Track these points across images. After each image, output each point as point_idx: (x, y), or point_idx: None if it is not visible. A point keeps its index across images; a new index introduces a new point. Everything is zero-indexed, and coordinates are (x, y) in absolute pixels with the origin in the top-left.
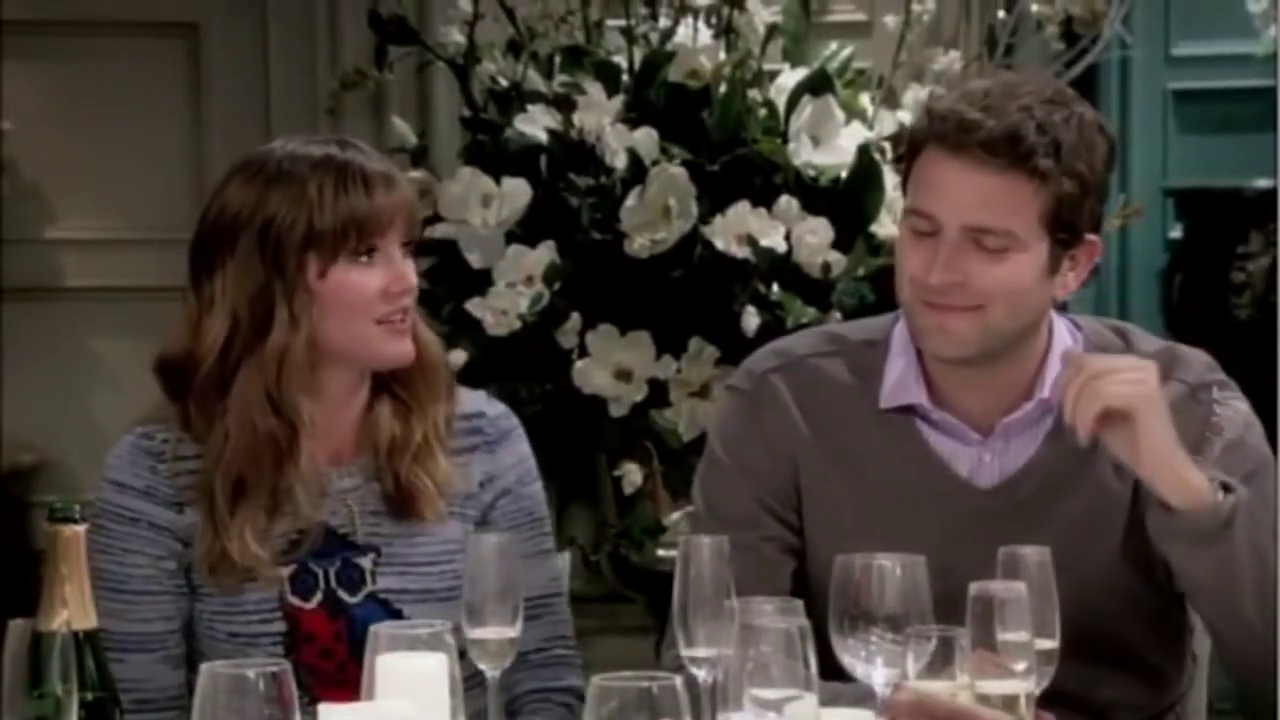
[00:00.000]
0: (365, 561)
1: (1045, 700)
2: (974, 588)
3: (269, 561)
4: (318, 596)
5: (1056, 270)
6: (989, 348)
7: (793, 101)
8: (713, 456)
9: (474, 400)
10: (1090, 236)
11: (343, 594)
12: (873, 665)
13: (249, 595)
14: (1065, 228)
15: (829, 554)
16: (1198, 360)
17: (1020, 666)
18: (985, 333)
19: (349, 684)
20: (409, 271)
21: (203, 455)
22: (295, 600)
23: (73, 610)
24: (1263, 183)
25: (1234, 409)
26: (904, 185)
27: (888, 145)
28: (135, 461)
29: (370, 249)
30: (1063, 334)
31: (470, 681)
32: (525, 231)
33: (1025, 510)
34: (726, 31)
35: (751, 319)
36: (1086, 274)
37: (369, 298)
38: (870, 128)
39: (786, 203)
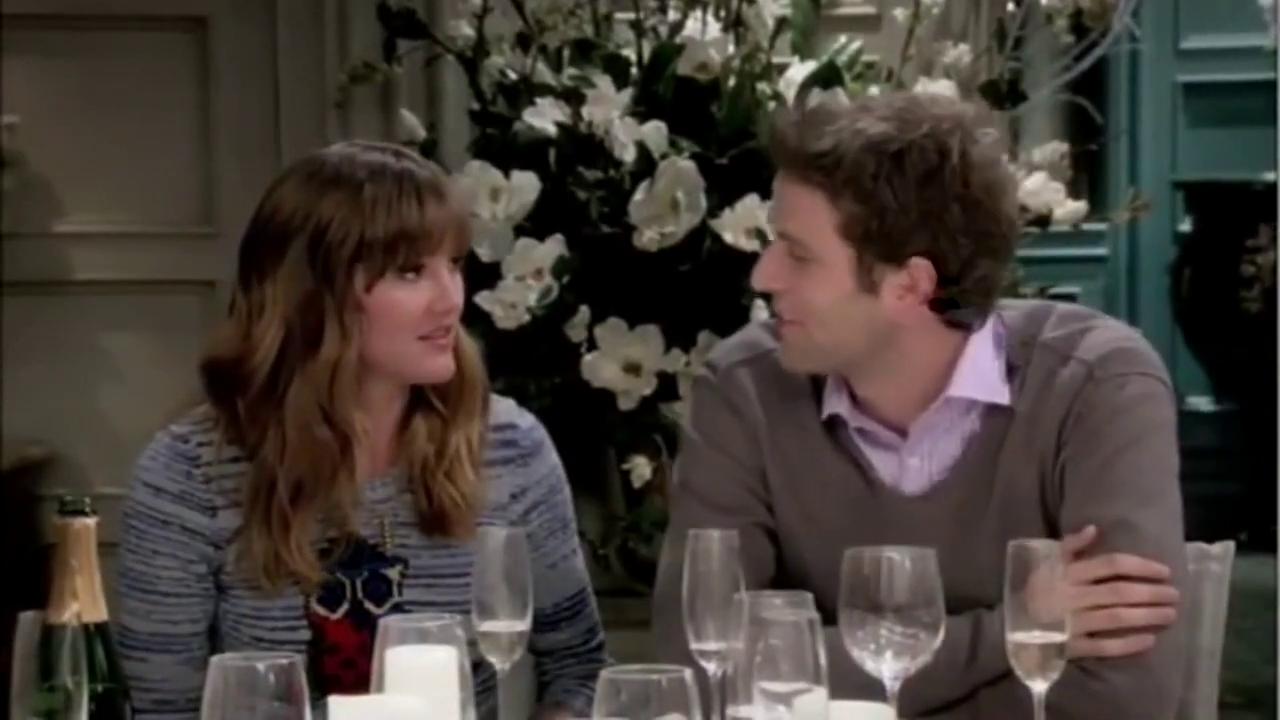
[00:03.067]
0: (393, 573)
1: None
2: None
3: (318, 569)
4: (344, 607)
5: (874, 291)
6: (826, 363)
7: (802, 95)
8: (694, 447)
9: (504, 410)
10: (917, 261)
11: (369, 605)
12: (882, 658)
13: (276, 601)
14: (869, 249)
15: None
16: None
17: None
18: (810, 346)
19: None
20: (454, 290)
21: (242, 459)
22: (321, 610)
23: (83, 603)
24: (1271, 176)
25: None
26: None
27: None
28: (170, 465)
29: (418, 266)
30: (984, 334)
31: (480, 686)
32: (534, 225)
33: (951, 514)
34: (735, 25)
35: (760, 312)
36: (925, 299)
37: (413, 315)
38: None
39: None
